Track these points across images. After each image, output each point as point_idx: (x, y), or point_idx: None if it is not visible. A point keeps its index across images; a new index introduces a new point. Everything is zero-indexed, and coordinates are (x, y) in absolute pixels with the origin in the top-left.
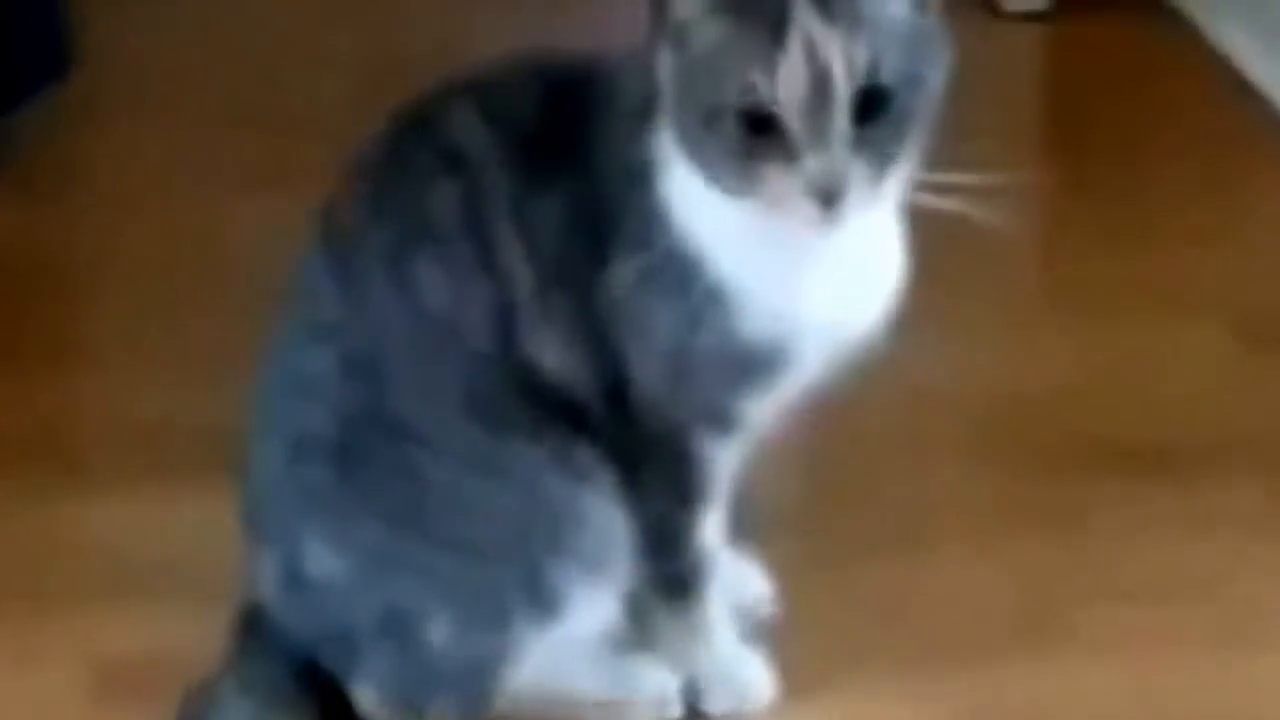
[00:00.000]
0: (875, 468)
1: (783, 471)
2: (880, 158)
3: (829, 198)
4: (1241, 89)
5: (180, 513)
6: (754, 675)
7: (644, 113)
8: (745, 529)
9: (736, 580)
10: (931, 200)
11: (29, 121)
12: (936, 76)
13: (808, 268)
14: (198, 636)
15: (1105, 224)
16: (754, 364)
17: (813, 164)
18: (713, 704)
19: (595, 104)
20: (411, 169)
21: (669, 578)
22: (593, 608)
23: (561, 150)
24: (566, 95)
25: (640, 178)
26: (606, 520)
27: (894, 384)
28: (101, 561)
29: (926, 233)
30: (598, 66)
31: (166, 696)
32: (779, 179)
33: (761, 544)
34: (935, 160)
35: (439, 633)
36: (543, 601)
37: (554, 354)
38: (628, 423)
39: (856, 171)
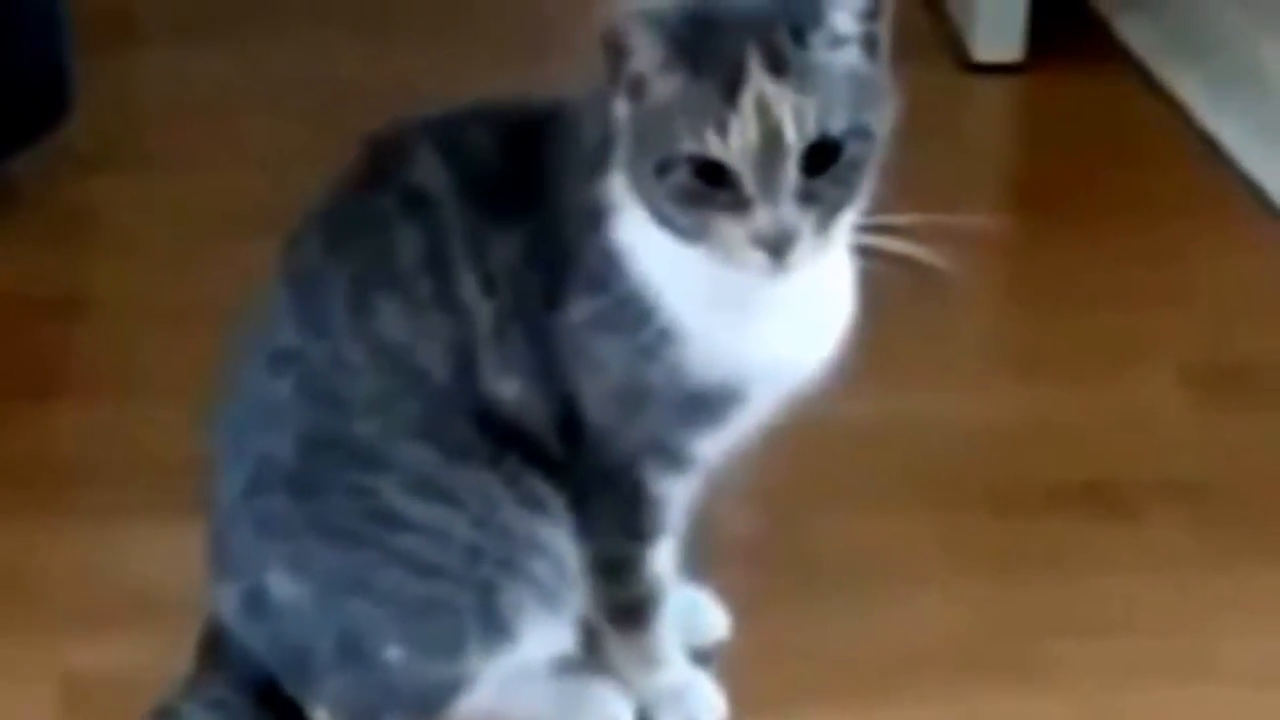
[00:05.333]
0: (830, 505)
1: (739, 505)
2: (829, 207)
3: (778, 248)
4: (1205, 147)
5: (150, 538)
6: (704, 698)
7: (600, 157)
8: (700, 559)
9: (690, 608)
10: (883, 242)
11: (30, 165)
12: (883, 124)
13: (757, 311)
14: (165, 658)
15: (1064, 275)
16: (704, 403)
17: (763, 216)
18: None
19: (553, 147)
20: (373, 207)
21: (621, 606)
22: (546, 633)
23: (520, 191)
24: (525, 138)
25: (595, 220)
26: (560, 548)
27: (850, 424)
28: (72, 584)
29: (892, 282)
30: (556, 110)
31: (134, 717)
32: (730, 229)
33: (716, 574)
34: (896, 207)
35: (395, 656)
36: (497, 627)
37: (511, 388)
38: (581, 457)
39: (806, 222)
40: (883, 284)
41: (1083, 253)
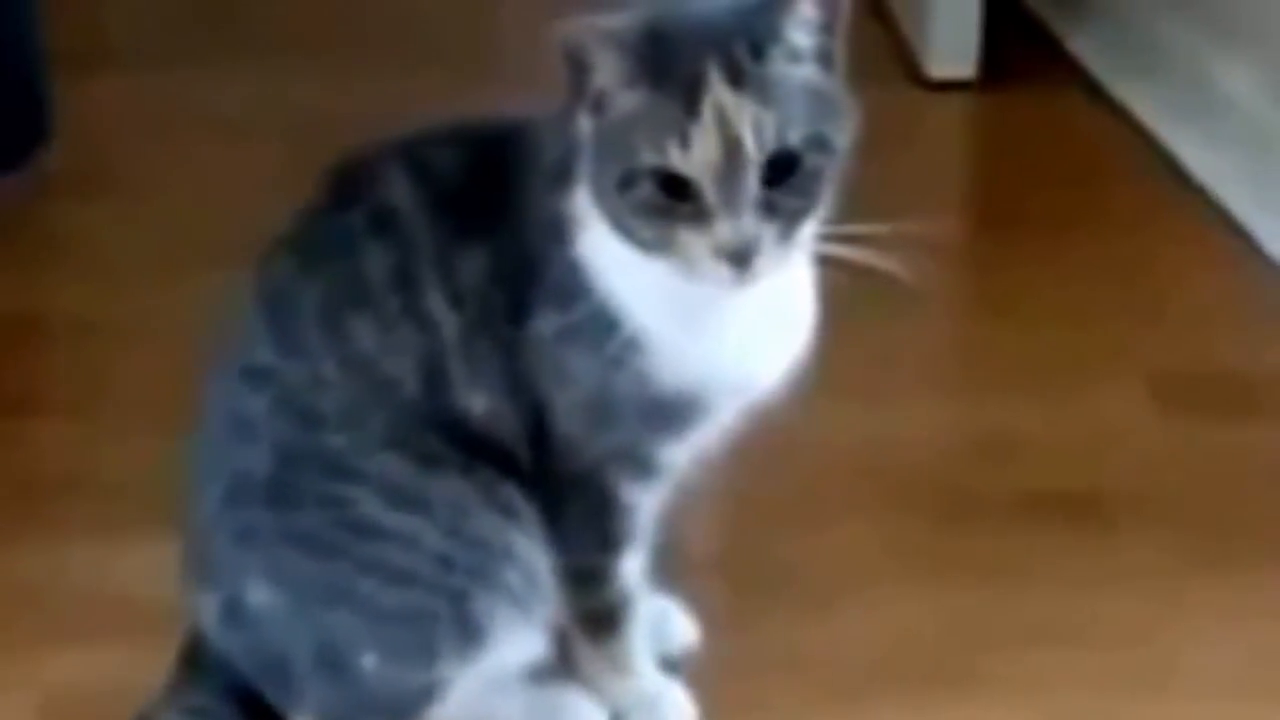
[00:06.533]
0: (797, 515)
1: (707, 515)
2: (789, 218)
3: (740, 259)
4: (1160, 161)
5: (129, 552)
6: (675, 706)
7: (564, 172)
8: (668, 569)
9: (659, 617)
10: (843, 252)
11: (6, 191)
12: (842, 136)
13: (720, 322)
14: (145, 671)
15: (1026, 289)
16: (670, 412)
17: (725, 228)
18: None
19: (518, 163)
20: (342, 225)
21: (592, 615)
22: (519, 640)
23: (486, 207)
24: (491, 155)
25: (560, 234)
26: (532, 555)
27: (818, 436)
28: (51, 598)
29: (860, 296)
30: (520, 128)
31: None
32: (692, 241)
33: (684, 584)
34: (854, 220)
35: (370, 664)
36: (469, 634)
37: (480, 401)
38: (551, 467)
39: (767, 233)
40: (851, 297)
41: (1043, 266)
